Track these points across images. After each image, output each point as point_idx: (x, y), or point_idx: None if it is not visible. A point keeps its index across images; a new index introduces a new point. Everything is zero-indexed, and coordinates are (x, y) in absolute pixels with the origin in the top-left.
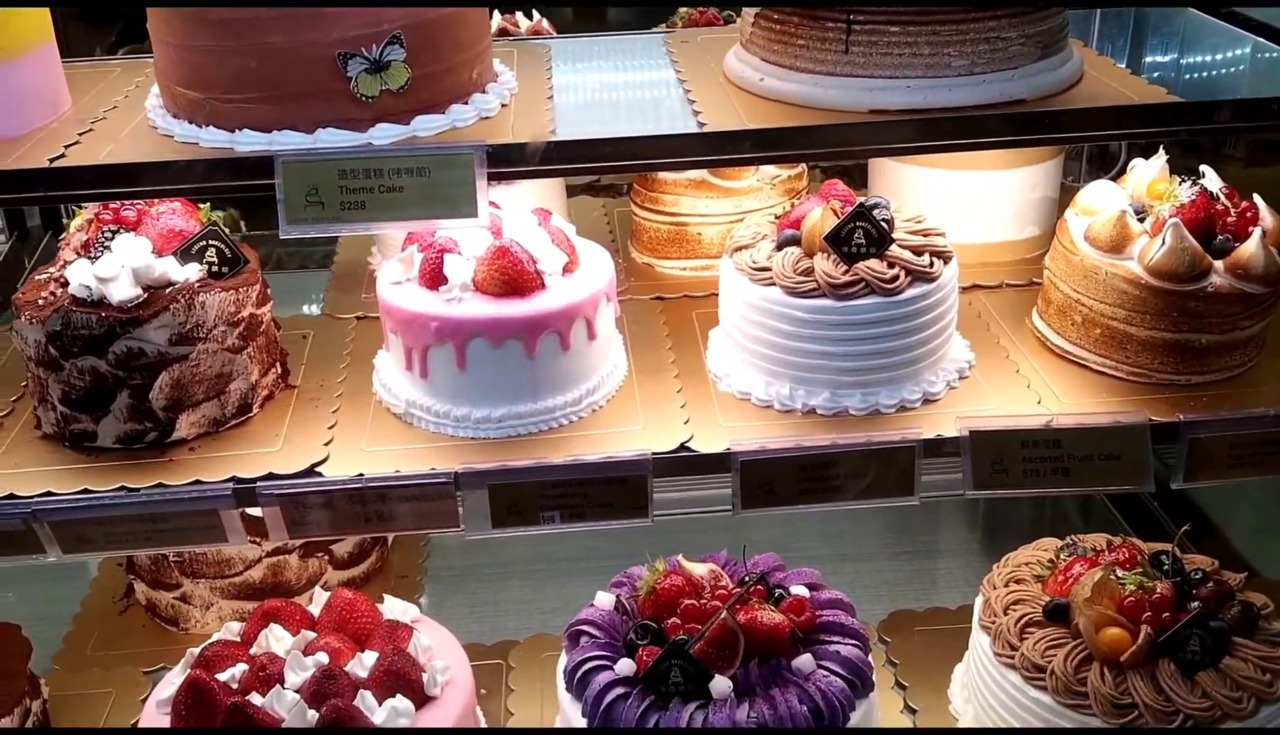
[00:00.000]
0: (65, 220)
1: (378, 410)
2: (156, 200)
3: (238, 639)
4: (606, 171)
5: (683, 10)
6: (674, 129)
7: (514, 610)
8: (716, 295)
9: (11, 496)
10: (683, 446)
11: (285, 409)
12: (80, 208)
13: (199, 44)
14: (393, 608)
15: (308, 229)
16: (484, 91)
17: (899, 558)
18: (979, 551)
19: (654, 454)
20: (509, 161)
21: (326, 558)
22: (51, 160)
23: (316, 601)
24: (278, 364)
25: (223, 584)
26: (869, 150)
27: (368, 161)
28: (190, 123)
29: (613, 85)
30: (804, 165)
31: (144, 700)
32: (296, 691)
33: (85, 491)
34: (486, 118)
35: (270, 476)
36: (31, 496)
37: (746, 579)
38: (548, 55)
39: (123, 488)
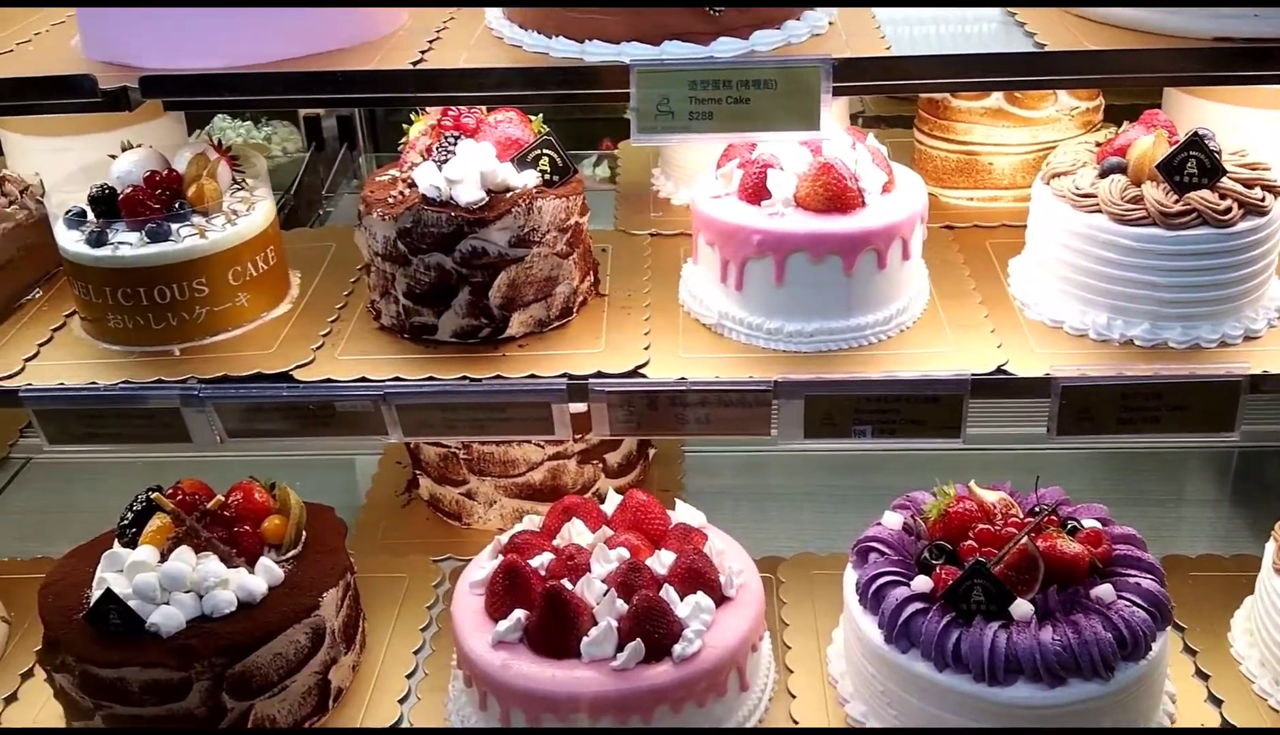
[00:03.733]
0: (360, 134)
1: (687, 320)
2: (494, 108)
3: (538, 530)
4: (946, 88)
5: None
6: (1013, 47)
7: (773, 531)
8: (1009, 226)
9: (364, 380)
10: (999, 369)
11: (599, 314)
12: (420, 113)
13: None
14: (683, 512)
15: (657, 138)
16: (813, 9)
17: (1155, 505)
18: (1229, 504)
19: (972, 375)
20: (850, 76)
21: (600, 465)
22: (414, 64)
23: (610, 501)
24: (591, 272)
25: (506, 483)
26: (1213, 77)
27: (717, 73)
28: (539, 33)
29: (939, 14)
30: (1101, 98)
31: (435, 585)
32: (603, 581)
33: (431, 379)
34: (818, 35)
35: (599, 375)
36: (383, 381)
37: (1037, 508)
38: None
39: (464, 377)
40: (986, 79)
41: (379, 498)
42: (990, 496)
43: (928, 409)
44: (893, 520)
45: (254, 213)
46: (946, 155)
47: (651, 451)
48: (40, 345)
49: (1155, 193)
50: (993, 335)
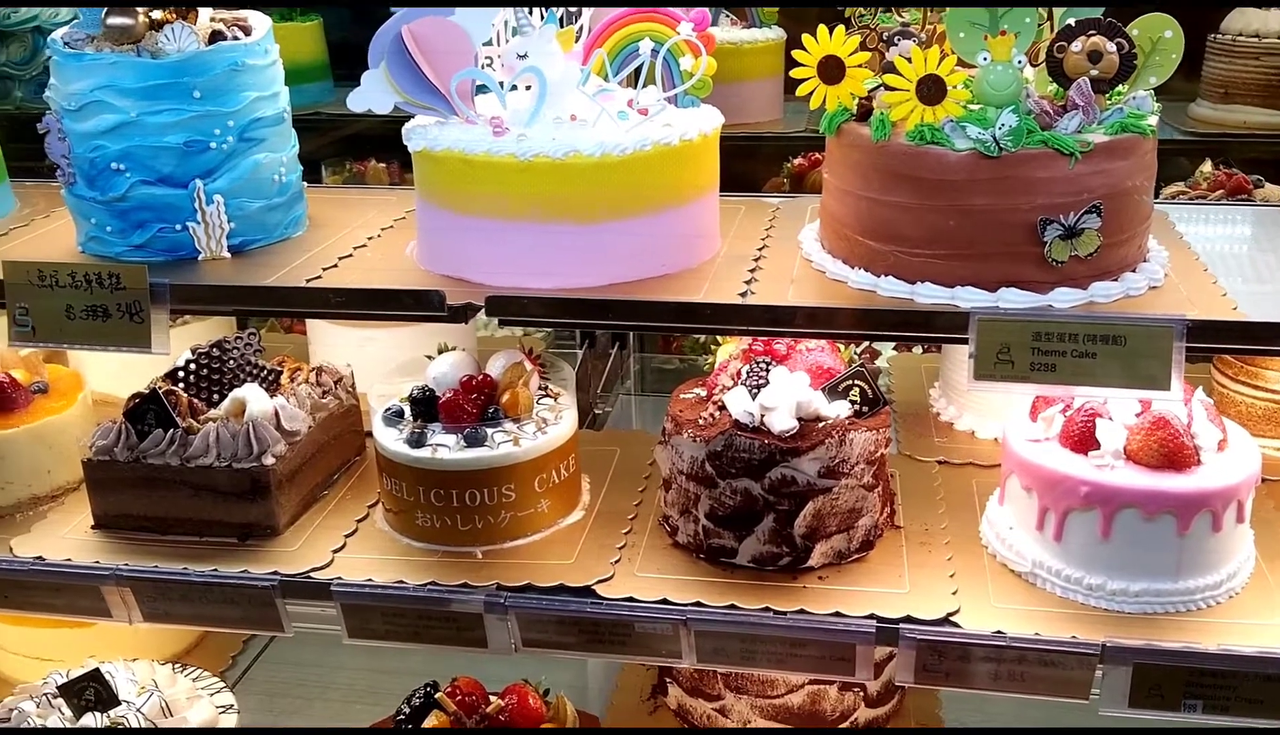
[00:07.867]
0: (630, 334)
1: (993, 563)
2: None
3: None
4: None
5: (1205, 170)
6: None
7: None
8: None
9: (665, 602)
10: None
11: (897, 548)
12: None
13: (897, 200)
14: None
15: (996, 386)
16: (1146, 260)
17: None
18: None
19: None
20: (1202, 337)
21: (860, 694)
22: (741, 296)
23: None
24: (889, 503)
25: (763, 703)
26: None
27: (1064, 326)
28: (866, 271)
29: (1262, 259)
30: None
31: None
32: None
33: (734, 607)
34: (1155, 287)
35: (909, 619)
36: (685, 605)
37: None
38: (1167, 220)
39: (768, 608)
40: None
41: (624, 702)
42: None
43: (1267, 688)
44: None
45: (561, 421)
46: (1254, 402)
47: None
48: (347, 536)
49: None
50: None
